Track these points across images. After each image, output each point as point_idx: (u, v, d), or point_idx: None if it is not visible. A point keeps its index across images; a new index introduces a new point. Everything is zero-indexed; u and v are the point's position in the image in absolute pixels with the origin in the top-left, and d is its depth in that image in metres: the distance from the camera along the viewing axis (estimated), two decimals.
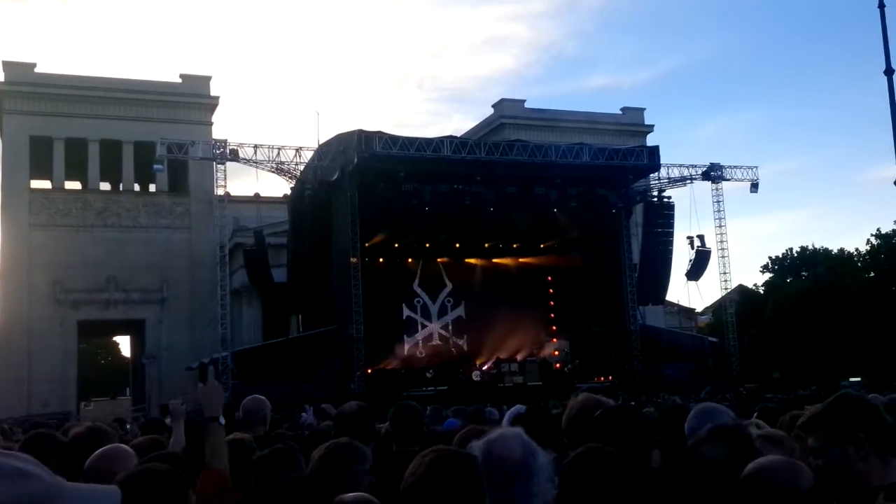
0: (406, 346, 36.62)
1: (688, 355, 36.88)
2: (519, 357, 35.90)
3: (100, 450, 3.78)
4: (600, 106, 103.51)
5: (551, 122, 49.99)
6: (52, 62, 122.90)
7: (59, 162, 45.07)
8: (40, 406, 38.67)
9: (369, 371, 31.35)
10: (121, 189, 47.46)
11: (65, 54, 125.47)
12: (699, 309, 51.36)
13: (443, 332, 37.52)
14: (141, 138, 43.15)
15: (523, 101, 53.75)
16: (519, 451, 2.40)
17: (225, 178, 33.21)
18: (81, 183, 46.87)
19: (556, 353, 38.16)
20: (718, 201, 37.46)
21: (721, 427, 3.17)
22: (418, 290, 37.56)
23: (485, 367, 34.81)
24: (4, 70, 45.56)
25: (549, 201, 33.93)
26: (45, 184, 46.49)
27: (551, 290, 38.96)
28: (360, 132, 30.59)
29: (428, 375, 33.03)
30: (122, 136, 45.36)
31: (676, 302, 47.26)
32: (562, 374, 35.51)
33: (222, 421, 3.84)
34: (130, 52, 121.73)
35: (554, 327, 38.59)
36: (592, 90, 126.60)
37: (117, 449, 3.77)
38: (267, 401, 6.13)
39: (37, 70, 45.90)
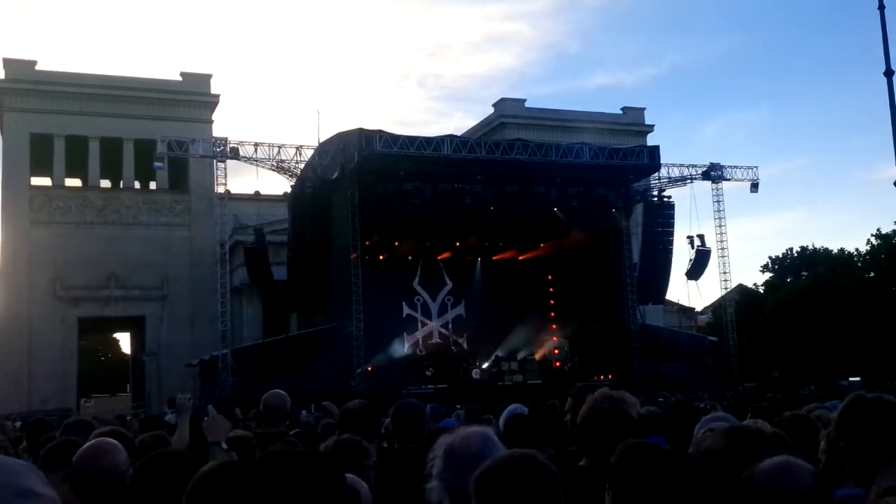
0: (406, 344, 36.67)
1: (687, 354, 36.93)
2: (519, 355, 35.97)
3: (88, 443, 3.79)
4: (601, 105, 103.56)
5: (552, 122, 50.03)
6: (53, 60, 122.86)
7: (59, 159, 45.09)
8: (40, 403, 38.70)
9: (369, 369, 31.39)
10: (121, 186, 47.47)
11: (66, 52, 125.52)
12: (699, 308, 51.39)
13: (443, 330, 37.57)
14: (141, 136, 43.15)
15: (524, 100, 53.78)
16: (477, 445, 2.55)
17: (225, 176, 33.26)
18: (82, 180, 46.91)
19: (556, 351, 38.23)
20: (718, 201, 37.52)
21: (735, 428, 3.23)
22: (418, 289, 37.61)
23: (484, 366, 34.87)
24: (5, 67, 45.57)
25: (550, 200, 33.97)
26: (46, 181, 46.51)
27: (551, 289, 39.01)
28: (361, 130, 30.62)
29: (428, 374, 33.09)
30: (122, 134, 45.37)
31: (676, 301, 47.31)
32: (561, 372, 35.58)
33: (224, 446, 3.99)
34: (131, 50, 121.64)
35: (554, 326, 38.64)
36: (594, 89, 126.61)
37: (105, 442, 3.75)
38: (287, 396, 6.13)
39: (38, 67, 45.89)
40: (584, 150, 33.46)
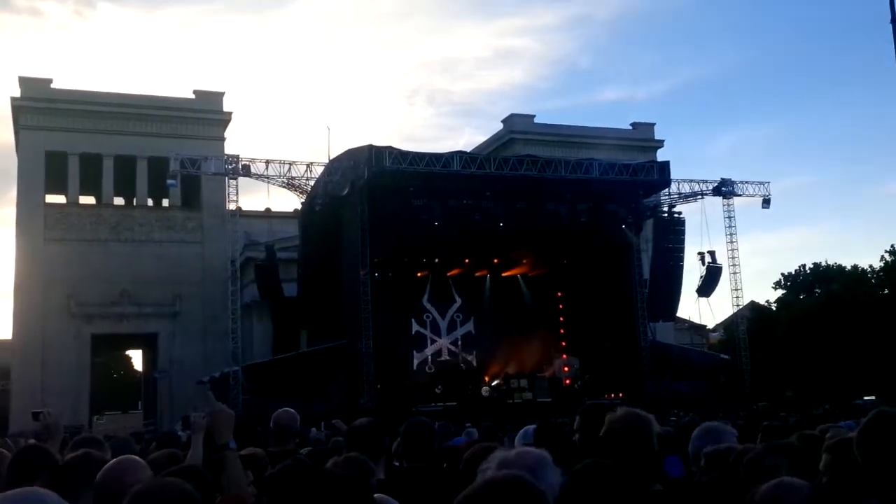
0: (415, 362, 36.60)
1: (699, 372, 36.68)
2: (528, 373, 35.83)
3: (111, 461, 3.78)
4: (611, 121, 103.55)
5: (561, 137, 50.14)
6: (68, 78, 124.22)
7: (73, 177, 45.53)
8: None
9: (379, 386, 31.35)
10: (135, 204, 47.86)
11: (80, 70, 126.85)
12: (711, 326, 51.14)
13: (452, 347, 37.48)
14: (155, 154, 43.56)
15: (533, 116, 53.94)
16: (531, 462, 2.54)
17: (237, 193, 33.48)
18: (96, 198, 47.33)
19: (566, 368, 38.04)
20: (730, 217, 37.40)
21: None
22: (427, 306, 37.56)
23: (494, 383, 34.75)
24: (21, 86, 46.14)
25: (559, 217, 33.95)
26: (60, 198, 46.95)
27: (561, 306, 38.89)
28: (371, 147, 30.76)
29: (437, 391, 32.99)
30: (136, 152, 45.81)
31: (687, 318, 47.07)
32: (572, 390, 35.38)
33: (233, 444, 3.86)
34: (145, 69, 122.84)
35: (564, 343, 38.49)
36: (604, 104, 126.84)
37: (129, 460, 3.76)
38: (297, 414, 6.18)
39: (53, 86, 46.45)
40: (594, 166, 33.48)
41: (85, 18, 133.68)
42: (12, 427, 42.36)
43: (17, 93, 45.99)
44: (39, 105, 45.25)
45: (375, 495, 2.54)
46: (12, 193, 45.54)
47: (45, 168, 44.97)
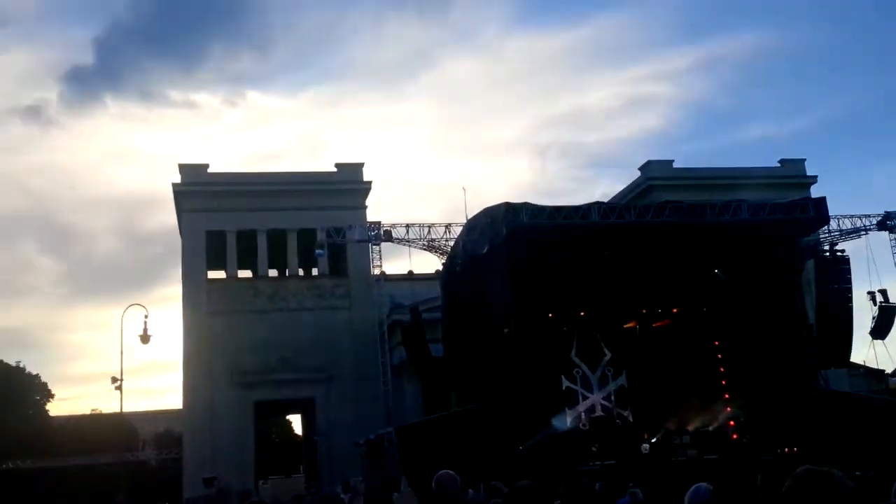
0: (568, 419, 35.61)
1: (881, 422, 33.49)
2: (690, 427, 33.91)
3: None
4: (756, 160, 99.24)
5: (703, 181, 48.41)
6: (222, 160, 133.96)
7: (231, 253, 48.40)
8: (223, 485, 40.40)
9: (532, 445, 30.65)
10: (287, 275, 50.19)
11: (232, 152, 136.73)
12: (889, 370, 46.92)
13: (605, 402, 36.17)
14: (303, 226, 45.68)
15: (671, 161, 52.51)
16: None
17: (380, 258, 34.41)
18: (252, 271, 50.01)
19: (732, 423, 35.71)
20: None
21: None
22: (576, 360, 36.58)
23: (654, 440, 33.14)
24: (181, 172, 49.89)
25: (709, 262, 32.48)
26: (220, 274, 49.97)
27: (720, 355, 36.79)
28: (507, 204, 30.79)
29: (593, 449, 31.85)
30: (286, 225, 48.25)
31: (862, 363, 43.46)
32: (740, 444, 33.16)
33: None
34: (290, 147, 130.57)
35: (726, 395, 36.24)
36: (746, 143, 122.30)
37: None
38: (457, 476, 6.09)
39: (209, 170, 49.99)
40: (743, 208, 31.90)
41: (235, 106, 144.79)
42: (185, 493, 44.76)
43: (178, 179, 49.73)
44: (198, 189, 48.64)
45: None
46: (178, 271, 48.78)
47: (206, 247, 48.06)
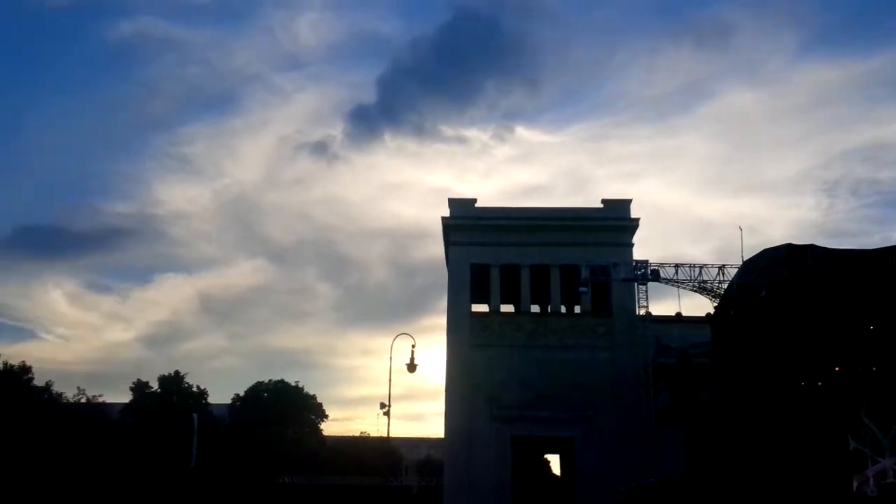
0: (855, 483, 31.96)
1: None
2: None
3: None
4: None
5: None
6: (488, 195, 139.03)
7: (495, 287, 49.58)
8: None
9: None
10: (549, 311, 50.43)
11: (499, 187, 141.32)
12: None
13: None
14: (566, 262, 45.80)
15: None
16: None
17: (647, 298, 33.58)
18: (514, 305, 50.92)
19: None
20: None
21: None
22: (866, 420, 32.84)
23: None
24: (450, 206, 52.18)
25: None
26: (483, 307, 51.50)
27: None
28: (790, 246, 28.79)
29: None
30: (549, 261, 48.56)
31: None
32: None
33: None
34: (555, 182, 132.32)
35: None
36: None
37: None
38: None
39: (477, 205, 51.92)
40: None
41: (503, 141, 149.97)
42: None
43: (447, 212, 52.02)
44: (465, 223, 50.57)
45: None
46: (443, 302, 51.06)
47: (469, 279, 49.77)
